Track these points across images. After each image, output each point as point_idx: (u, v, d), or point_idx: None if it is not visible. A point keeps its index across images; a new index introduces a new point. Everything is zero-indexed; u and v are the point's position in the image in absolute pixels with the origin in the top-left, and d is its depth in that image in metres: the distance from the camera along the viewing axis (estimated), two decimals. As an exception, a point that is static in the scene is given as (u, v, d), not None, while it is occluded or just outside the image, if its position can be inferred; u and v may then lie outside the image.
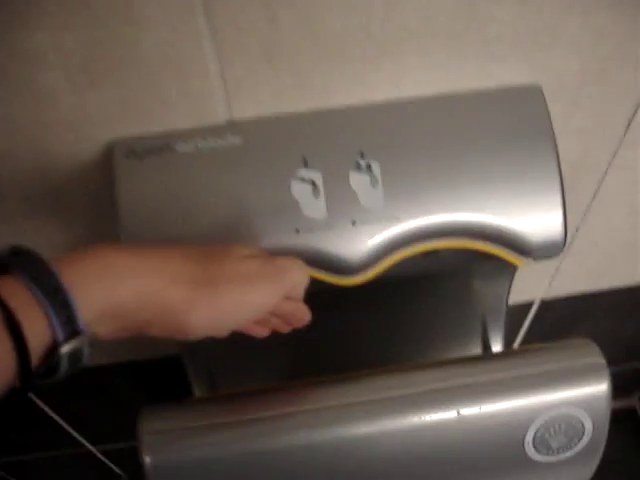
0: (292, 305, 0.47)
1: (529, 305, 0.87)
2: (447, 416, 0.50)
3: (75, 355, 0.33)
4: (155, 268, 0.38)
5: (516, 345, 0.95)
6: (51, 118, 0.52)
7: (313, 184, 0.54)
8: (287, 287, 0.44)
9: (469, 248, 0.57)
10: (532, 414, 0.51)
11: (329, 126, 0.55)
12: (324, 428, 0.50)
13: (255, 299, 0.42)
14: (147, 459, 0.49)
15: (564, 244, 0.56)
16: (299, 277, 0.46)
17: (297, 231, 0.54)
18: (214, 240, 0.53)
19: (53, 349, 0.32)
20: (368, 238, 0.54)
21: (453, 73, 0.54)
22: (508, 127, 0.56)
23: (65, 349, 0.32)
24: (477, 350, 0.76)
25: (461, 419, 0.50)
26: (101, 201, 0.58)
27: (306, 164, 0.54)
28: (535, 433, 0.52)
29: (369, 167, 0.55)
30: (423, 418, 0.50)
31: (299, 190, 0.54)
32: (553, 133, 0.56)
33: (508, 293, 0.71)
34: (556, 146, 0.56)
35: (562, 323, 0.93)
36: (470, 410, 0.50)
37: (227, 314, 0.40)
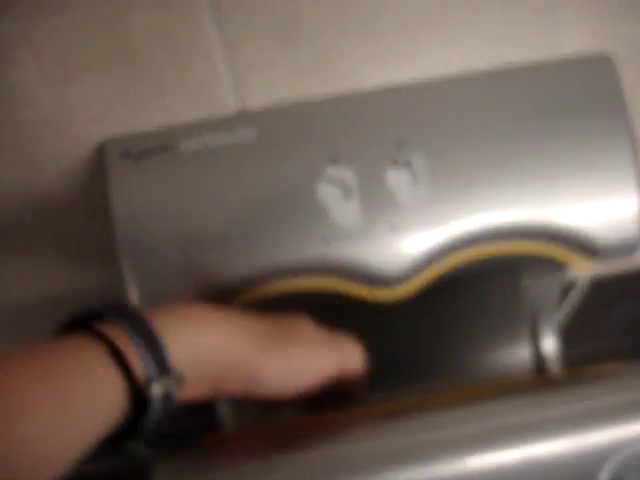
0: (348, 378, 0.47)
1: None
2: (506, 458, 0.42)
3: (167, 397, 0.35)
4: (233, 324, 0.40)
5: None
6: (29, 117, 0.44)
7: (343, 184, 0.45)
8: (346, 357, 0.46)
9: (531, 252, 0.48)
10: (607, 451, 0.43)
11: (359, 113, 0.47)
12: (361, 474, 0.42)
13: (319, 362, 0.43)
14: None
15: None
16: (356, 352, 0.47)
17: (325, 240, 0.45)
18: (224, 256, 0.45)
19: (147, 388, 0.34)
20: (409, 246, 0.46)
21: (510, 43, 0.46)
22: (573, 104, 0.47)
23: (157, 388, 0.34)
24: (526, 354, 0.67)
25: (521, 461, 0.42)
26: (93, 211, 0.49)
27: (334, 161, 0.46)
28: (612, 474, 0.44)
29: (408, 161, 0.46)
30: (470, 463, 0.42)
31: (327, 192, 0.46)
32: (626, 111, 0.47)
33: (561, 290, 0.62)
34: (631, 126, 0.46)
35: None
36: (532, 451, 0.42)
37: (295, 372, 0.42)
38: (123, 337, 0.34)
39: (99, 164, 0.47)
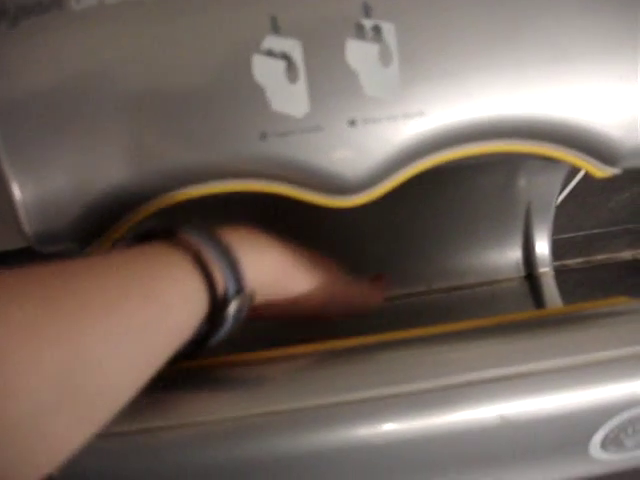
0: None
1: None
2: (487, 417, 0.34)
3: (239, 312, 0.34)
4: (286, 250, 0.39)
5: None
6: None
7: (287, 60, 0.34)
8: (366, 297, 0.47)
9: (528, 153, 0.37)
10: (609, 412, 0.35)
11: (313, -40, 0.33)
12: (302, 433, 0.34)
13: (355, 294, 0.46)
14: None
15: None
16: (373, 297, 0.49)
17: (263, 136, 0.35)
18: (129, 152, 0.35)
19: (223, 304, 0.33)
20: (375, 145, 0.35)
21: None
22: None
23: (234, 305, 0.33)
24: (517, 254, 0.58)
25: (506, 423, 0.34)
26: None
27: (276, 28, 0.33)
28: (607, 434, 0.36)
29: (377, 31, 0.34)
30: (453, 418, 0.34)
31: (265, 70, 0.34)
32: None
33: (560, 189, 0.52)
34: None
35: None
36: (518, 412, 0.34)
37: (336, 302, 0.43)
38: (204, 250, 0.32)
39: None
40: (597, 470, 0.39)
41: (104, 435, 0.34)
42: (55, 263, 0.28)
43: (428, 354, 0.36)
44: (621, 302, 0.40)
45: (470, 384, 0.34)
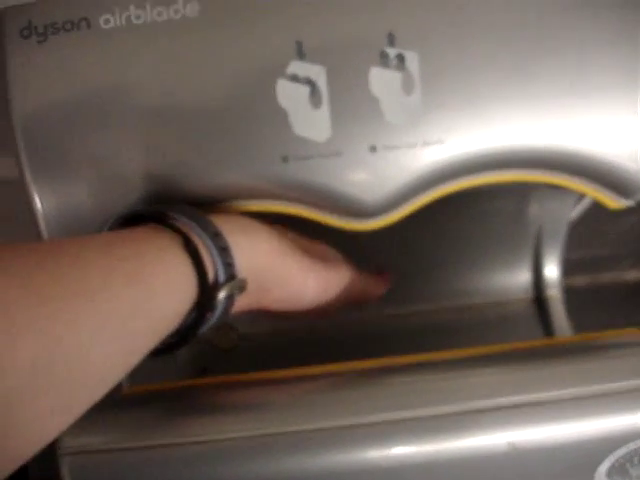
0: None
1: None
2: (495, 445, 0.35)
3: (229, 299, 0.33)
4: (280, 235, 0.38)
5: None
6: None
7: (311, 85, 0.34)
8: (367, 286, 0.47)
9: (545, 183, 0.38)
10: (615, 443, 0.35)
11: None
12: (306, 456, 0.35)
13: (352, 282, 0.43)
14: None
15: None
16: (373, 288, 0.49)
17: (285, 160, 0.35)
18: (152, 168, 0.35)
19: (213, 291, 0.32)
20: (394, 171, 0.35)
21: None
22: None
23: (224, 291, 0.32)
24: (527, 277, 0.59)
25: (513, 451, 0.35)
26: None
27: (301, 54, 0.34)
28: (613, 464, 0.36)
29: (401, 59, 0.34)
30: (462, 444, 0.35)
31: (289, 95, 0.35)
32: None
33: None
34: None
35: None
36: (526, 440, 0.35)
37: (332, 289, 0.42)
38: (194, 235, 0.32)
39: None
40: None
41: (115, 450, 0.34)
42: (36, 242, 0.28)
43: (438, 380, 0.37)
44: (631, 333, 0.40)
45: (480, 411, 0.34)
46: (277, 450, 0.34)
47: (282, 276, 0.38)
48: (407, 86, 0.35)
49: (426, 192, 0.37)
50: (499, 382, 0.36)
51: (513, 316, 0.59)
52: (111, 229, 0.33)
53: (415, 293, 0.58)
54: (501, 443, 0.34)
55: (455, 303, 0.58)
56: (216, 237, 0.32)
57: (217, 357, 0.58)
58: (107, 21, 0.35)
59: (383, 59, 0.34)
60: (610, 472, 0.37)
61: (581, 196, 0.54)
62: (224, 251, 0.32)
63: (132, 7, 0.35)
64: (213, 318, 0.33)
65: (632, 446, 0.36)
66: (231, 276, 0.33)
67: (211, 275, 0.32)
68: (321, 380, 0.38)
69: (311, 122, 0.35)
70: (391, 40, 0.34)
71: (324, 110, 0.35)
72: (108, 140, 0.36)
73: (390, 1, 0.34)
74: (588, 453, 0.35)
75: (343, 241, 0.47)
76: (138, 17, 0.35)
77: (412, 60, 0.34)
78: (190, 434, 0.34)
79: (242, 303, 0.36)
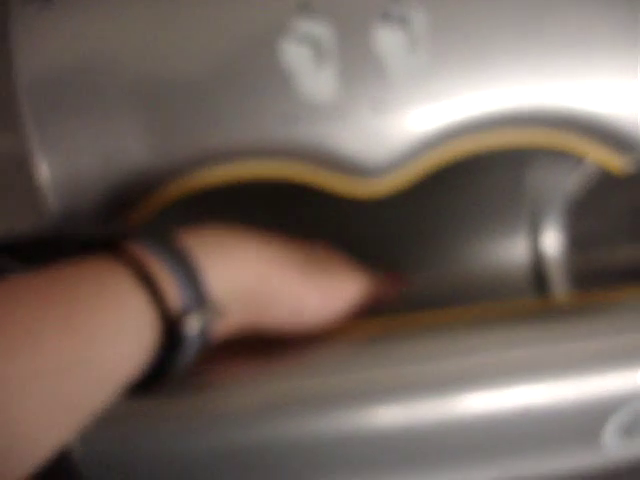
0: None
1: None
2: (501, 402, 0.35)
3: (204, 331, 0.30)
4: (269, 248, 0.35)
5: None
6: None
7: (315, 44, 0.34)
8: (377, 282, 0.43)
9: (549, 144, 0.38)
10: (621, 399, 0.36)
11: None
12: (312, 416, 0.35)
13: (355, 286, 0.40)
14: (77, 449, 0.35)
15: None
16: (382, 289, 0.45)
17: (288, 120, 0.35)
18: (157, 128, 0.35)
19: (182, 321, 0.28)
20: (397, 129, 0.36)
21: None
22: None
23: (194, 321, 0.29)
24: (524, 252, 0.59)
25: (518, 405, 0.35)
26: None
27: (304, 9, 0.34)
28: (619, 422, 0.37)
29: (404, 17, 0.34)
30: (462, 404, 0.35)
31: (293, 53, 0.35)
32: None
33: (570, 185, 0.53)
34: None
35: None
36: (531, 395, 0.35)
37: (333, 298, 0.38)
38: (152, 259, 0.28)
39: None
40: (612, 458, 0.39)
41: (128, 440, 0.34)
42: None
43: (446, 338, 0.37)
44: (634, 291, 0.40)
45: (486, 368, 0.35)
46: (291, 410, 0.34)
47: (279, 291, 0.35)
48: (412, 45, 0.35)
49: (430, 153, 0.37)
50: (506, 340, 0.36)
51: (513, 282, 0.60)
52: (66, 253, 0.29)
53: (415, 265, 0.58)
54: (511, 403, 0.34)
55: (454, 275, 0.58)
56: (181, 260, 0.29)
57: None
58: (110, -17, 0.35)
59: (387, 17, 0.34)
60: (615, 432, 0.37)
61: (578, 163, 0.54)
62: (191, 276, 0.29)
63: (135, -31, 0.35)
64: (187, 350, 0.29)
65: (630, 409, 0.36)
66: (201, 303, 0.29)
67: (175, 304, 0.29)
68: (325, 344, 0.38)
69: (315, 82, 0.35)
70: (395, -3, 0.34)
71: (328, 69, 0.35)
72: (112, 103, 0.36)
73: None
74: (595, 410, 0.35)
75: (344, 216, 0.47)
76: (141, -21, 0.35)
77: (417, 18, 0.34)
78: (198, 415, 0.34)
79: (238, 325, 0.34)
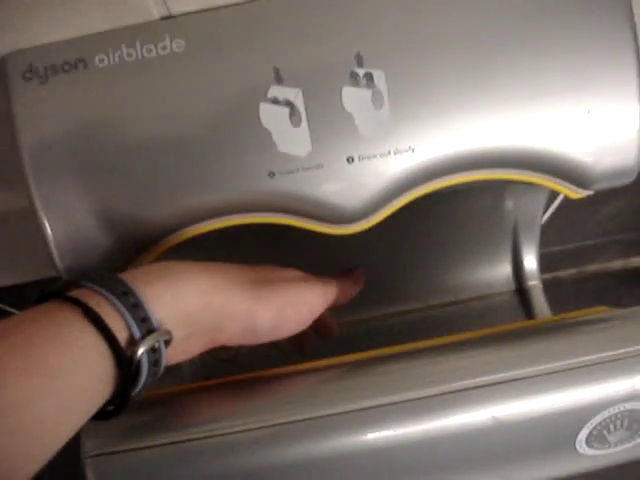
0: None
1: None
2: (482, 420, 0.38)
3: (154, 354, 0.32)
4: (216, 273, 0.37)
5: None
6: None
7: (290, 106, 0.38)
8: (333, 291, 0.44)
9: (509, 180, 0.41)
10: (590, 412, 0.39)
11: (308, 18, 0.38)
12: (310, 442, 0.38)
13: (309, 299, 0.41)
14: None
15: (638, 169, 0.41)
16: (342, 293, 0.46)
17: (271, 175, 0.39)
18: (150, 191, 0.38)
19: (132, 348, 0.31)
20: (371, 179, 0.39)
21: None
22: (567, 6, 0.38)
23: (143, 347, 0.31)
24: (507, 269, 0.62)
25: (498, 425, 0.38)
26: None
27: (279, 78, 0.38)
28: (590, 431, 0.40)
29: (370, 78, 0.38)
30: (450, 421, 0.38)
31: (271, 116, 0.38)
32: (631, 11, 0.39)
33: (545, 205, 0.56)
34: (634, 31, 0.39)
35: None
36: (509, 414, 0.38)
37: (288, 312, 0.40)
38: (98, 299, 0.31)
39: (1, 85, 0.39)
40: (586, 466, 0.42)
41: (137, 449, 0.37)
42: None
43: (425, 364, 0.40)
44: (600, 311, 0.44)
45: (465, 389, 0.38)
46: (290, 437, 0.37)
47: (226, 312, 0.37)
48: (377, 101, 0.38)
49: (401, 196, 0.41)
50: (481, 362, 0.39)
51: (497, 308, 0.63)
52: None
53: (399, 293, 0.61)
54: (486, 418, 0.37)
55: (439, 300, 0.62)
56: (125, 295, 0.32)
57: (218, 367, 0.61)
58: (102, 60, 0.38)
59: (353, 78, 0.38)
60: (589, 440, 0.40)
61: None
62: (136, 307, 0.32)
63: (124, 46, 0.38)
64: (142, 377, 0.32)
65: (606, 414, 0.39)
66: (148, 331, 0.32)
67: (124, 336, 0.31)
68: (317, 373, 0.41)
69: (292, 139, 0.38)
70: (359, 61, 0.38)
71: (304, 128, 0.38)
72: (108, 168, 0.39)
73: (356, 25, 0.38)
74: (567, 423, 0.38)
75: (326, 246, 0.50)
76: (130, 55, 0.38)
77: (379, 77, 0.38)
78: (205, 429, 0.37)
79: (193, 348, 0.37)
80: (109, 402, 0.32)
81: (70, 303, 0.31)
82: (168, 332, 0.33)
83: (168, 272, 0.35)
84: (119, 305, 0.31)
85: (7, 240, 0.56)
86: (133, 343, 0.31)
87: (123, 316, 0.31)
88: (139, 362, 0.31)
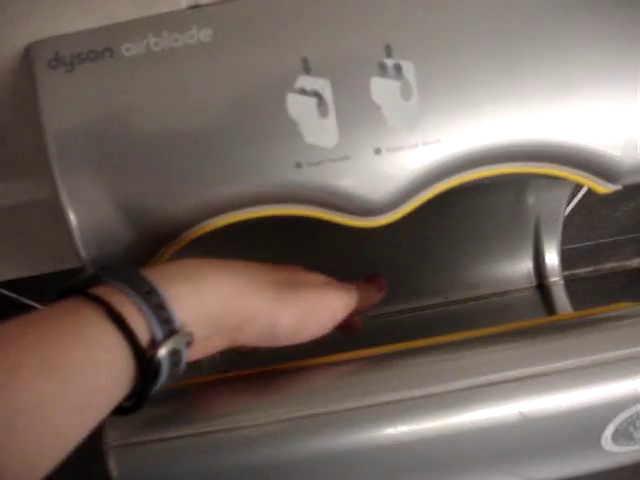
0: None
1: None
2: (507, 415, 0.38)
3: (175, 356, 0.32)
4: (239, 273, 0.37)
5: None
6: None
7: (318, 97, 0.38)
8: (355, 302, 0.44)
9: (537, 174, 0.41)
10: (617, 407, 0.38)
11: (339, 9, 0.37)
12: (333, 435, 0.37)
13: (332, 305, 0.41)
14: (115, 474, 0.38)
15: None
16: (365, 299, 0.46)
17: (298, 165, 0.38)
18: (176, 180, 0.38)
19: (153, 350, 0.31)
20: (398, 171, 0.39)
21: None
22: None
23: (165, 349, 0.31)
24: (528, 265, 0.62)
25: (524, 420, 0.38)
26: (25, 122, 0.42)
27: (308, 69, 0.37)
28: (617, 428, 0.39)
29: (399, 70, 0.37)
30: (472, 418, 0.38)
31: (298, 107, 0.38)
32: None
33: (567, 203, 0.56)
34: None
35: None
36: (535, 409, 0.37)
37: (310, 317, 0.40)
38: (121, 298, 0.31)
39: (25, 72, 0.38)
40: (610, 463, 0.42)
41: (158, 440, 0.37)
42: None
43: (450, 359, 0.40)
44: (625, 307, 0.43)
45: (491, 384, 0.37)
46: (310, 431, 0.37)
47: (248, 314, 0.36)
48: (405, 93, 0.38)
49: (428, 189, 0.40)
50: (507, 357, 0.39)
51: (518, 304, 0.62)
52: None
53: (419, 288, 0.61)
54: (513, 413, 0.37)
55: (460, 295, 0.61)
56: (149, 295, 0.31)
57: (238, 361, 0.61)
58: (128, 49, 0.38)
59: (382, 69, 0.38)
60: (615, 436, 0.40)
61: (578, 186, 0.57)
62: (159, 308, 0.31)
63: (150, 35, 0.38)
64: (162, 376, 0.32)
65: (633, 410, 0.38)
66: (170, 332, 0.31)
67: (146, 336, 0.31)
68: (337, 366, 0.41)
69: (320, 130, 0.38)
70: (388, 52, 0.37)
71: (331, 119, 0.38)
72: (134, 157, 0.39)
73: (386, 16, 0.38)
74: (593, 419, 0.38)
75: (347, 241, 0.49)
76: (157, 44, 0.38)
77: (408, 69, 0.38)
78: (226, 422, 0.37)
79: (211, 348, 0.37)
80: (127, 398, 0.32)
81: (92, 301, 0.30)
82: (190, 334, 0.33)
83: (193, 271, 0.35)
84: (142, 305, 0.31)
85: (24, 231, 0.56)
86: (155, 344, 0.31)
87: (146, 316, 0.31)
88: (159, 363, 0.31)
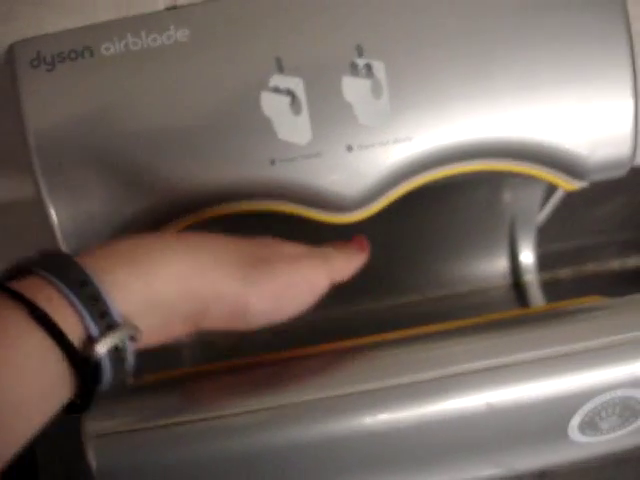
0: None
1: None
2: (475, 406, 0.39)
3: (117, 354, 0.29)
4: (200, 250, 0.34)
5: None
6: None
7: (291, 96, 0.39)
8: (336, 267, 0.39)
9: (504, 171, 0.42)
10: (583, 398, 0.40)
11: (310, 9, 0.39)
12: (310, 424, 0.38)
13: (311, 278, 0.37)
14: (94, 464, 0.38)
15: (632, 161, 0.42)
16: (346, 265, 0.41)
17: (272, 162, 0.39)
18: (154, 176, 0.39)
19: (89, 348, 0.28)
20: (370, 167, 0.40)
21: None
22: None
23: (103, 346, 0.28)
24: (504, 264, 0.63)
25: (491, 410, 0.39)
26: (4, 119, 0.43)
27: (281, 68, 0.39)
28: (583, 418, 0.40)
29: (369, 69, 0.39)
30: (441, 407, 0.39)
31: (272, 105, 0.39)
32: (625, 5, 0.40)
33: (541, 201, 0.57)
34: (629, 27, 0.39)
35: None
36: (502, 400, 0.38)
37: (286, 294, 0.36)
38: (49, 291, 0.28)
39: (7, 71, 0.39)
40: (579, 454, 0.43)
41: (138, 430, 0.38)
42: None
43: (420, 350, 0.41)
44: (594, 300, 0.44)
45: (460, 374, 0.38)
46: (292, 419, 0.37)
47: (210, 296, 0.33)
48: (376, 91, 0.39)
49: (399, 185, 0.42)
50: (476, 348, 0.40)
51: (494, 301, 0.64)
52: None
53: (396, 285, 0.62)
54: (480, 404, 0.38)
55: (436, 293, 0.62)
56: (82, 285, 0.28)
57: (220, 356, 0.62)
58: (108, 49, 0.39)
59: (353, 69, 0.39)
60: (582, 426, 0.41)
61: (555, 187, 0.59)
62: (94, 300, 0.28)
63: (129, 35, 0.39)
64: (105, 375, 0.29)
65: (597, 401, 0.40)
66: (109, 326, 0.28)
67: (80, 334, 0.28)
68: (314, 358, 0.42)
69: (293, 128, 0.39)
70: (360, 51, 0.39)
71: (304, 116, 0.39)
72: (113, 154, 0.40)
73: (357, 17, 0.39)
74: (559, 409, 0.39)
75: (321, 238, 0.50)
76: (135, 44, 0.39)
77: (379, 68, 0.39)
78: (207, 410, 0.37)
79: (176, 331, 0.33)
80: (78, 397, 0.29)
81: (14, 299, 0.27)
82: (134, 327, 0.30)
83: (141, 252, 0.31)
84: (73, 298, 0.27)
85: (11, 230, 0.56)
86: (91, 341, 0.28)
87: (78, 311, 0.28)
88: (98, 362, 0.28)
